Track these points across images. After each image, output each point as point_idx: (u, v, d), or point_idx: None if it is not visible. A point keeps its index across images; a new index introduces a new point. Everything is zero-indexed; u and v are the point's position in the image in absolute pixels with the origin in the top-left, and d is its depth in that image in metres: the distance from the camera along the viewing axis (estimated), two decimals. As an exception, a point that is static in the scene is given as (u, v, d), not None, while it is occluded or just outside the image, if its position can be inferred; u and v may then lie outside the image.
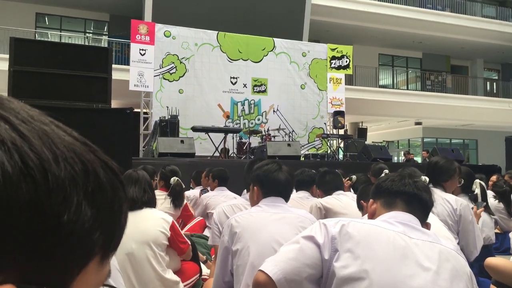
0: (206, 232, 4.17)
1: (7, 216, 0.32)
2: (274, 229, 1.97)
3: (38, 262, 0.34)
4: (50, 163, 0.34)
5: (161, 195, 3.83)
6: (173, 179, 3.92)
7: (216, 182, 4.56)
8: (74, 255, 0.36)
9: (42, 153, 0.34)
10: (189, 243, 2.83)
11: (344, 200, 3.30)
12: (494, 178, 5.93)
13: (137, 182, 2.63)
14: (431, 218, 1.96)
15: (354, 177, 4.41)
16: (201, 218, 4.36)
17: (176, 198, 3.90)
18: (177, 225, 2.76)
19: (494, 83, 22.01)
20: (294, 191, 3.66)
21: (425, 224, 1.50)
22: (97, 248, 0.38)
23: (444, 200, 2.79)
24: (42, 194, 0.33)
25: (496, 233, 4.51)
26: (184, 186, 4.13)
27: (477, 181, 3.58)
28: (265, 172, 2.12)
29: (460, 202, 2.81)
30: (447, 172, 2.97)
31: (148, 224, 2.59)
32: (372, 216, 1.54)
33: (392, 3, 17.56)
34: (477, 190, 3.55)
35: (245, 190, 2.96)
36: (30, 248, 0.33)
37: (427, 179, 2.79)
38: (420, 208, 1.50)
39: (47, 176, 0.34)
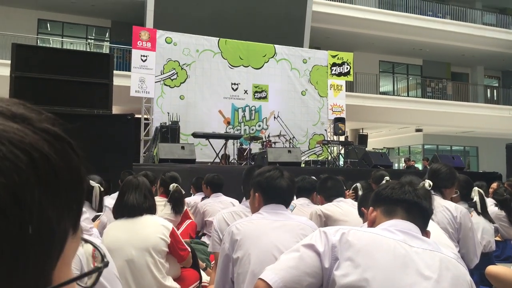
0: (205, 239, 4.15)
1: None
2: (275, 236, 1.97)
3: (16, 270, 0.31)
4: None
5: (161, 202, 3.83)
6: (172, 186, 3.92)
7: (209, 189, 4.53)
8: (49, 251, 0.33)
9: None
10: (189, 250, 2.82)
11: (344, 207, 3.29)
12: (494, 185, 5.92)
13: (137, 189, 2.63)
14: (432, 226, 1.96)
15: (358, 185, 4.33)
16: (191, 220, 4.32)
17: (176, 204, 3.90)
18: (177, 232, 2.75)
19: (495, 90, 22.04)
20: (295, 197, 3.66)
21: (425, 232, 1.50)
22: (69, 229, 0.35)
23: (444, 208, 2.79)
24: None
25: (497, 241, 4.49)
26: (184, 192, 4.12)
27: (476, 189, 3.57)
28: (267, 179, 2.11)
29: (460, 209, 2.81)
30: (449, 180, 2.97)
31: (148, 230, 2.58)
32: (372, 224, 1.54)
33: (393, 10, 17.63)
34: (476, 198, 3.55)
35: (244, 197, 2.96)
36: (3, 265, 0.30)
37: (431, 183, 2.78)
38: (421, 216, 1.50)
39: None
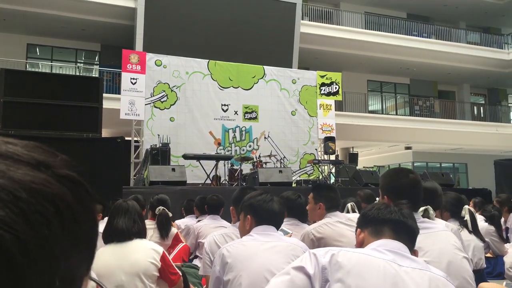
0: (196, 262, 4.10)
1: None
2: (265, 258, 1.97)
3: None
4: (24, 231, 0.30)
5: (150, 225, 3.81)
6: (158, 209, 3.91)
7: (206, 210, 4.42)
8: None
9: (11, 223, 0.29)
10: (180, 274, 2.79)
11: (338, 227, 3.21)
12: (476, 201, 5.90)
13: (126, 213, 2.61)
14: (447, 234, 2.00)
15: (348, 205, 4.16)
16: (184, 244, 4.26)
17: (161, 228, 3.88)
18: (168, 256, 2.73)
19: (481, 108, 22.37)
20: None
21: (413, 252, 1.51)
22: (84, 272, 0.36)
23: (434, 226, 2.79)
24: (26, 273, 0.29)
25: (488, 258, 4.51)
26: (171, 215, 4.09)
27: (466, 207, 3.61)
28: (260, 201, 2.15)
29: (450, 227, 2.82)
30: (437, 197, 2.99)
31: (138, 255, 2.56)
32: (360, 245, 1.54)
33: (379, 31, 17.96)
34: (467, 217, 3.58)
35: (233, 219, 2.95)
36: None
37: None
38: (407, 235, 1.52)
39: (27, 249, 0.29)
